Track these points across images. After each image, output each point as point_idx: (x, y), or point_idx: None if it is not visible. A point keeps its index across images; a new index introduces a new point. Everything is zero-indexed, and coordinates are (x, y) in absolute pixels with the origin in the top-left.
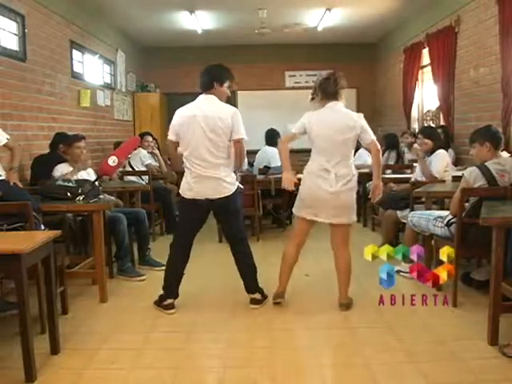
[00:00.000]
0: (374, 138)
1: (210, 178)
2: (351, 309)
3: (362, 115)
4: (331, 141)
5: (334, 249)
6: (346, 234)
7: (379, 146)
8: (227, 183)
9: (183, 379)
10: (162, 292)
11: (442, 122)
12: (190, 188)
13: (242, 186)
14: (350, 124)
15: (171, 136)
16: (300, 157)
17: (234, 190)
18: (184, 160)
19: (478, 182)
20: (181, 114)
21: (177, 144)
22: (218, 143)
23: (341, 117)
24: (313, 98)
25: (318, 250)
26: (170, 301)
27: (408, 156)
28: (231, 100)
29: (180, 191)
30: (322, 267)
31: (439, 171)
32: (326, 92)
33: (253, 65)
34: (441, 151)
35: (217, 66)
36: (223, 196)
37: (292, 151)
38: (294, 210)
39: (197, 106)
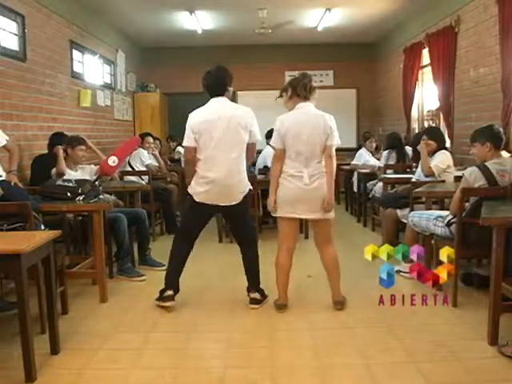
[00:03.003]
0: (336, 143)
1: (224, 186)
2: (347, 307)
3: (332, 117)
4: (304, 141)
5: (318, 247)
6: (328, 231)
7: (334, 154)
8: (240, 191)
9: (183, 379)
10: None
11: (442, 122)
12: (201, 192)
13: (251, 187)
14: (322, 124)
15: (190, 142)
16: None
17: (243, 195)
18: (198, 163)
19: (478, 182)
20: (198, 119)
21: (195, 150)
22: (237, 145)
23: (313, 117)
24: (281, 96)
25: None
26: (169, 292)
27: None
28: (231, 98)
29: (190, 190)
30: (323, 267)
31: (437, 165)
32: (299, 91)
33: (253, 65)
34: (444, 151)
35: (225, 69)
36: (234, 203)
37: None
38: (277, 213)
39: (213, 109)
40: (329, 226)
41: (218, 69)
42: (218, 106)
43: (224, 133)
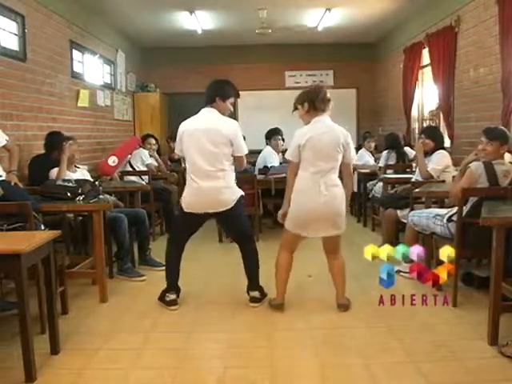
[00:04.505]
0: (353, 161)
1: (210, 190)
2: (350, 309)
3: (349, 134)
4: (322, 154)
5: (327, 255)
6: (337, 241)
7: (352, 171)
8: (228, 196)
9: (183, 379)
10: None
11: (442, 122)
12: (190, 202)
13: (243, 193)
14: (340, 139)
15: (177, 151)
16: None
17: (235, 201)
18: (187, 172)
19: (481, 179)
20: (183, 128)
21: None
22: (218, 155)
23: (331, 131)
24: (296, 109)
25: (320, 250)
26: (172, 297)
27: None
28: (231, 113)
29: (181, 200)
30: (323, 267)
31: (434, 168)
32: (315, 104)
33: (253, 65)
34: (442, 151)
35: (221, 81)
36: (223, 209)
37: None
38: (286, 225)
39: (198, 120)
40: (338, 238)
41: (213, 80)
42: (204, 117)
43: (204, 144)
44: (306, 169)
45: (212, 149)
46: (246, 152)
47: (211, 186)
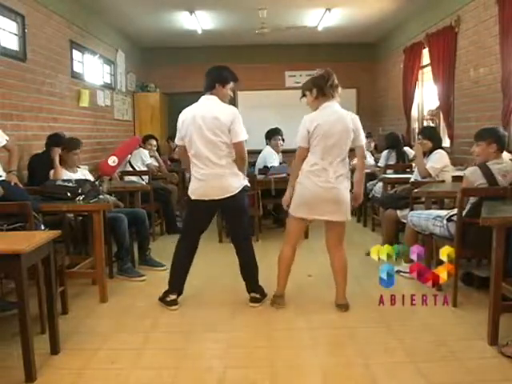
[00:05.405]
0: (364, 143)
1: (215, 175)
2: (350, 309)
3: (357, 117)
4: (332, 141)
5: (330, 249)
6: (342, 233)
7: (365, 152)
8: (232, 181)
9: (183, 379)
10: (167, 288)
11: (442, 122)
12: (196, 189)
13: (249, 185)
14: (350, 125)
15: (177, 140)
16: None
17: (239, 189)
18: (191, 160)
19: (478, 182)
20: (182, 117)
21: (184, 147)
22: (218, 142)
23: (341, 117)
24: (304, 95)
25: (320, 250)
26: (173, 297)
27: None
28: (232, 100)
29: (189, 190)
30: (323, 267)
31: (433, 166)
32: (324, 90)
33: (253, 65)
34: (440, 151)
35: (220, 67)
36: (229, 195)
37: None
38: (290, 210)
39: (197, 107)
40: (343, 229)
41: (211, 67)
42: (202, 104)
43: (204, 132)
44: (314, 154)
45: (211, 137)
46: (245, 137)
47: (215, 172)
